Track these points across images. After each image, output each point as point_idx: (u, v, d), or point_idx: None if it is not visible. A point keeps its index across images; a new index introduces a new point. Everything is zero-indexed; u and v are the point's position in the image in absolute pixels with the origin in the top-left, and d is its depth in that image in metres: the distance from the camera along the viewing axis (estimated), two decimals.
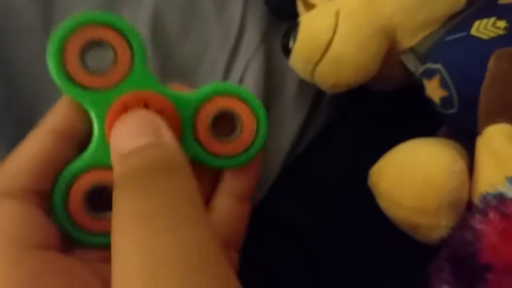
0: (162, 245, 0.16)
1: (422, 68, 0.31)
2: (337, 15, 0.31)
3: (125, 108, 0.22)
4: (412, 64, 0.32)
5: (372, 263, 0.32)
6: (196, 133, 0.24)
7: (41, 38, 0.35)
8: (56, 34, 0.22)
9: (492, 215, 0.25)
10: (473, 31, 0.30)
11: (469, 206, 0.28)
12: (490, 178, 0.27)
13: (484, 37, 0.29)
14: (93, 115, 0.22)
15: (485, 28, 0.30)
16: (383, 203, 0.30)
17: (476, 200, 0.26)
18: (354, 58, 0.31)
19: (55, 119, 0.23)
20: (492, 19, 0.30)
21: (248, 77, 0.36)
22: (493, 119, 0.28)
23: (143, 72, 0.23)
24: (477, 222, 0.25)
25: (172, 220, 0.17)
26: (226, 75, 0.36)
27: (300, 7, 0.35)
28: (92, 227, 0.22)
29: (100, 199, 0.22)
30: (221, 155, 0.24)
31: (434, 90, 0.31)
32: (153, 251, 0.16)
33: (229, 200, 0.26)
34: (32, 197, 0.21)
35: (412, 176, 0.28)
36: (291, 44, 0.32)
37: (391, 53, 0.32)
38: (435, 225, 0.28)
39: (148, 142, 0.20)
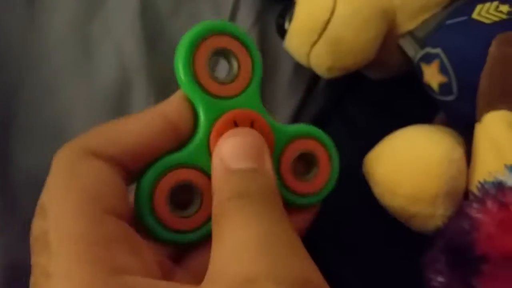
0: (275, 252, 0.18)
1: (421, 53, 0.30)
2: None
3: (234, 122, 0.23)
4: (410, 48, 0.31)
5: (365, 252, 0.31)
6: (279, 167, 0.25)
7: (26, 14, 0.33)
8: (193, 32, 0.23)
9: (490, 204, 0.24)
10: (474, 15, 0.29)
11: (466, 195, 0.27)
12: (488, 166, 0.26)
13: (486, 21, 0.28)
14: (202, 118, 0.23)
15: (487, 12, 0.29)
16: (378, 191, 0.29)
17: (474, 188, 0.26)
18: (352, 40, 0.30)
19: (170, 108, 0.23)
20: (495, 3, 0.29)
21: None
22: (493, 106, 0.27)
23: (256, 91, 0.24)
24: (474, 211, 0.24)
25: (280, 232, 0.19)
26: None
27: None
28: (171, 223, 0.23)
29: (179, 196, 0.23)
30: (297, 193, 0.25)
31: (432, 75, 0.30)
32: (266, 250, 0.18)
33: None
34: (119, 168, 0.21)
35: (410, 163, 0.28)
36: (286, 24, 0.31)
37: (390, 37, 0.31)
38: (431, 214, 0.27)
39: (255, 168, 0.21)
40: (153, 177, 0.22)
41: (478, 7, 0.29)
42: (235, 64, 0.24)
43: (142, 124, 0.22)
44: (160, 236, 0.22)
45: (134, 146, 0.22)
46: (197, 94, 0.23)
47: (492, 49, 0.27)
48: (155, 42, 0.34)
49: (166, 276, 0.22)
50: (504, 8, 0.28)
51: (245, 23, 0.36)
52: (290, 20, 0.31)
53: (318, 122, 0.36)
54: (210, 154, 0.23)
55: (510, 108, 0.27)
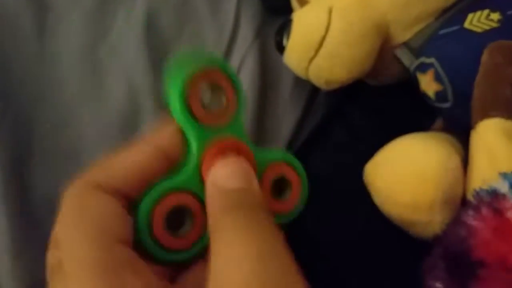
0: (267, 266, 0.20)
1: (416, 63, 0.31)
2: (330, 11, 0.31)
3: (223, 151, 0.25)
4: (406, 58, 0.32)
5: (368, 258, 0.32)
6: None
7: (36, 46, 0.35)
8: (190, 68, 0.25)
9: (485, 211, 0.25)
10: (466, 24, 0.30)
11: (464, 201, 0.28)
12: (483, 173, 0.27)
13: (478, 30, 0.29)
14: (194, 146, 0.25)
15: (478, 21, 0.29)
16: (378, 200, 0.30)
17: (470, 196, 0.26)
18: (347, 55, 0.31)
19: (161, 138, 0.25)
20: (486, 11, 0.29)
21: (243, 74, 0.36)
22: (486, 114, 0.28)
23: (241, 122, 0.26)
24: (470, 218, 0.25)
25: (272, 248, 0.21)
26: None
27: (294, 3, 0.35)
28: (168, 244, 0.24)
29: (172, 218, 0.25)
30: (275, 212, 0.27)
31: (428, 84, 0.31)
32: (259, 264, 0.20)
33: None
34: (121, 198, 0.23)
35: (407, 173, 0.28)
36: (284, 41, 0.32)
37: (385, 48, 0.32)
38: (429, 222, 0.28)
39: (245, 187, 0.23)
40: (151, 202, 0.24)
41: (470, 16, 0.30)
42: (223, 97, 0.26)
43: (138, 155, 0.24)
44: (160, 257, 0.24)
45: (132, 176, 0.24)
46: (190, 125, 0.25)
47: (484, 58, 0.28)
48: (161, 63, 0.35)
49: None
50: (495, 16, 0.29)
51: (246, 39, 0.37)
52: (287, 37, 0.32)
53: (320, 131, 0.37)
54: (202, 180, 0.25)
55: (503, 116, 0.27)
